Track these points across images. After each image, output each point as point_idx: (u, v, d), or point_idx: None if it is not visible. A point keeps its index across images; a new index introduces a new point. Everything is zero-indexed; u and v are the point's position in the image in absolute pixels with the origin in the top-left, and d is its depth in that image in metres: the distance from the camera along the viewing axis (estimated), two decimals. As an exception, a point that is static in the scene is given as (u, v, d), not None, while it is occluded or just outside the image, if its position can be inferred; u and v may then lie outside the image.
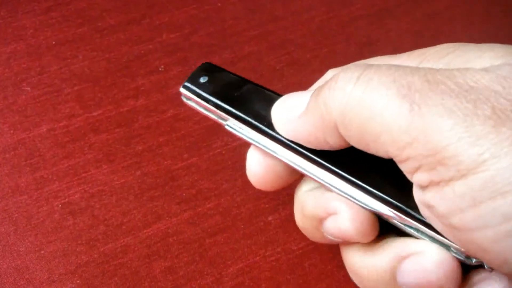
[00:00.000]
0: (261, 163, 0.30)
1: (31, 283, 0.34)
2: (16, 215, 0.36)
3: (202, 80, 0.31)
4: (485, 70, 0.22)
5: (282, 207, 0.37)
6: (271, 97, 0.29)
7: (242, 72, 0.44)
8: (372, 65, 0.24)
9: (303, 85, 0.43)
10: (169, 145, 0.40)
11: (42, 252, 0.35)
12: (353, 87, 0.23)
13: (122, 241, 0.36)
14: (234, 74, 0.31)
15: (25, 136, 0.40)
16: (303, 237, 0.33)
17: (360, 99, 0.23)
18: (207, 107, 0.30)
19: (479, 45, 0.25)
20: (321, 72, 0.44)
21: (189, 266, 0.35)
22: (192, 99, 0.31)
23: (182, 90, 0.31)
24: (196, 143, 0.40)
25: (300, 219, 0.30)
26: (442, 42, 0.47)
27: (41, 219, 0.36)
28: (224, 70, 0.32)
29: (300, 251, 0.36)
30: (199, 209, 0.37)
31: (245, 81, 0.31)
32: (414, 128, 0.21)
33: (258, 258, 0.35)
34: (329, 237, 0.28)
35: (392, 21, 0.49)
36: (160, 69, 0.44)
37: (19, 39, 0.45)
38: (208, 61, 0.32)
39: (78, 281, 0.34)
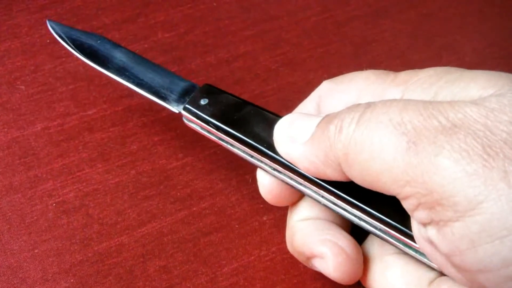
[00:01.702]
0: (272, 180, 0.30)
1: (24, 282, 0.34)
2: (10, 213, 0.36)
3: (203, 102, 0.32)
4: (473, 102, 0.23)
5: (277, 207, 0.37)
6: (271, 118, 0.30)
7: (238, 71, 0.44)
8: (370, 104, 0.25)
9: (298, 85, 0.44)
10: (164, 144, 0.40)
11: (36, 251, 0.35)
12: (354, 128, 0.24)
13: (116, 240, 0.36)
14: (234, 95, 0.32)
15: (19, 134, 0.40)
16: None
17: (360, 141, 0.24)
18: (208, 129, 0.31)
19: (462, 73, 0.26)
20: (316, 72, 0.45)
21: (183, 265, 0.35)
22: (193, 121, 0.32)
23: (183, 112, 0.32)
24: (191, 143, 0.40)
25: (290, 247, 0.31)
26: (437, 42, 0.47)
27: (35, 217, 0.36)
28: (224, 91, 0.32)
29: (294, 251, 0.36)
30: (194, 209, 0.37)
31: (244, 103, 0.31)
32: (412, 167, 0.22)
33: (252, 258, 0.35)
34: (318, 270, 0.29)
35: (387, 21, 0.49)
36: (155, 68, 0.44)
37: (13, 37, 0.45)
38: (208, 82, 0.33)
39: (72, 280, 0.34)
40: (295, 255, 0.31)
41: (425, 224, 0.23)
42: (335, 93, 0.30)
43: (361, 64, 0.45)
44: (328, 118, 0.26)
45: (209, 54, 0.45)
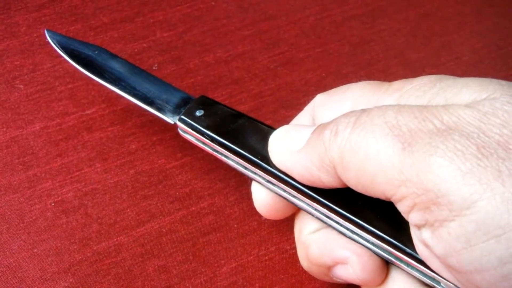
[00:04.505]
0: (267, 194, 0.31)
1: (23, 282, 0.34)
2: (9, 213, 0.36)
3: (198, 113, 0.32)
4: (467, 106, 0.23)
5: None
6: (266, 130, 0.30)
7: (236, 71, 0.44)
8: (365, 110, 0.25)
9: (296, 85, 0.44)
10: (163, 144, 0.40)
11: (35, 250, 0.35)
12: (350, 131, 0.24)
13: (115, 239, 0.36)
14: (229, 108, 0.32)
15: (18, 133, 0.40)
16: (296, 236, 0.33)
17: (356, 143, 0.24)
18: (203, 140, 0.32)
19: (455, 80, 0.26)
20: (314, 72, 0.45)
21: (182, 265, 0.35)
22: (188, 132, 0.32)
23: (178, 123, 0.32)
24: (190, 142, 0.40)
25: (305, 263, 0.30)
26: (435, 42, 0.47)
27: (34, 217, 0.36)
28: (219, 103, 0.33)
29: (293, 251, 0.36)
30: (193, 208, 0.37)
31: (240, 115, 0.31)
32: (407, 167, 0.22)
33: (251, 257, 0.35)
34: (338, 280, 0.29)
35: (385, 21, 0.49)
36: (154, 68, 0.44)
37: (12, 36, 0.45)
38: (204, 94, 0.34)
39: (71, 280, 0.34)
40: (313, 269, 0.30)
41: (419, 227, 0.23)
42: (329, 104, 0.30)
43: (359, 64, 0.46)
44: (323, 125, 0.26)
45: (207, 54, 0.45)
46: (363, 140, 0.24)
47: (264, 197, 0.31)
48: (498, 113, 0.22)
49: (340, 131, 0.25)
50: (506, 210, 0.20)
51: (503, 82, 0.24)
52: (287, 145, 0.28)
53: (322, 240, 0.29)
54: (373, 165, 0.23)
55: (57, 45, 0.36)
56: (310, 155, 0.26)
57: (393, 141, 0.23)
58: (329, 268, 0.29)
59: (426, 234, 0.23)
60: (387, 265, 0.28)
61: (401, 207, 0.24)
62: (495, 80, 0.24)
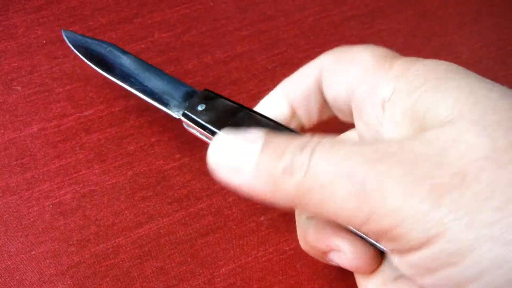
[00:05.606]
0: None
1: (21, 284, 0.34)
2: (7, 215, 0.36)
3: (200, 108, 0.32)
4: (422, 142, 0.23)
5: (273, 208, 0.37)
6: (268, 124, 0.30)
7: (234, 71, 0.44)
8: (317, 144, 0.24)
9: (295, 85, 0.43)
10: (161, 145, 0.40)
11: (33, 252, 0.35)
12: (304, 174, 0.23)
13: (113, 241, 0.36)
14: (231, 101, 0.32)
15: (15, 135, 0.40)
16: (295, 237, 0.33)
17: (310, 185, 0.23)
18: (205, 134, 0.32)
19: (442, 84, 0.25)
20: (313, 72, 0.44)
21: (180, 266, 0.35)
22: (192, 127, 0.33)
23: (182, 118, 0.33)
24: (188, 143, 0.40)
25: (304, 246, 0.31)
26: (434, 42, 0.47)
27: (32, 219, 0.36)
28: (222, 97, 0.33)
29: (292, 252, 0.36)
30: (191, 210, 0.37)
31: (241, 108, 0.32)
32: (365, 208, 0.22)
33: (250, 258, 0.35)
34: (334, 264, 0.30)
35: (384, 21, 0.49)
36: (152, 69, 0.44)
37: (9, 38, 0.45)
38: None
39: (69, 282, 0.34)
40: (310, 251, 0.31)
41: (387, 251, 0.25)
42: (336, 75, 0.30)
43: (358, 64, 0.45)
44: (274, 152, 0.24)
45: (206, 55, 0.45)
46: (317, 182, 0.23)
47: None
48: (456, 145, 0.22)
49: (296, 170, 0.23)
50: (466, 237, 0.21)
51: (484, 92, 0.24)
52: (233, 165, 0.25)
53: (319, 226, 0.29)
54: (331, 207, 0.23)
55: (75, 44, 0.38)
56: (263, 185, 0.24)
57: (348, 181, 0.22)
58: (325, 252, 0.29)
59: (394, 258, 0.24)
60: (380, 254, 0.28)
61: (370, 237, 0.25)
62: (474, 91, 0.24)
